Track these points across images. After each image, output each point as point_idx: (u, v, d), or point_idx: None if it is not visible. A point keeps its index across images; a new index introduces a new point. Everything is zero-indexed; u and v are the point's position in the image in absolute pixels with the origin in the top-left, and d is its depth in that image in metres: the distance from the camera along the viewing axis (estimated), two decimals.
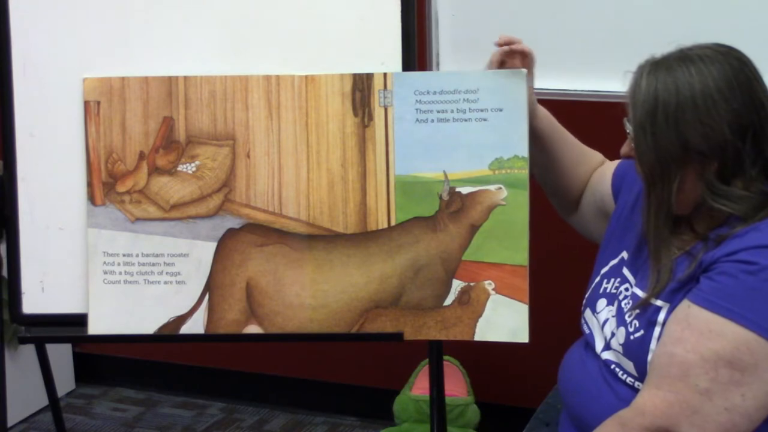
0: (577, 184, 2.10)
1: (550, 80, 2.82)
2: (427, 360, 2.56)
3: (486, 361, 3.07)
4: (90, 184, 2.10)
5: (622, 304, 1.80)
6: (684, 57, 1.72)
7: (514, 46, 2.00)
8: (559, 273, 2.90)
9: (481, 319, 2.05)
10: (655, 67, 1.73)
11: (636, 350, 1.73)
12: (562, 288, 2.90)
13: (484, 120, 2.02)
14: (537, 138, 2.06)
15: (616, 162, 2.04)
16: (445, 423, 2.39)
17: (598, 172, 2.09)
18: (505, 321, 2.04)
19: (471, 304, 2.05)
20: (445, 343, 2.26)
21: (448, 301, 2.06)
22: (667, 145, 1.68)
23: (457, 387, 2.93)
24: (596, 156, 2.13)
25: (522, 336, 2.05)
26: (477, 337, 2.06)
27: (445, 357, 2.85)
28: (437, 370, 2.28)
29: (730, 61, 1.70)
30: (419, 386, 2.94)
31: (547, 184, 2.13)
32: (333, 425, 3.35)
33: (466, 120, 2.03)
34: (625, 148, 1.80)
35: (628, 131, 1.77)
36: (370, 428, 3.31)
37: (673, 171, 1.69)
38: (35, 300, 2.14)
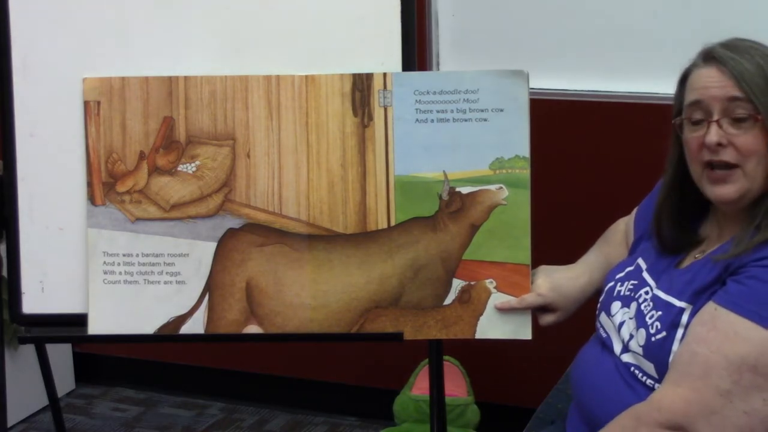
0: None
1: (550, 80, 2.83)
2: (427, 360, 2.56)
3: (486, 361, 3.07)
4: (90, 184, 2.10)
5: (642, 307, 1.79)
6: (738, 44, 1.74)
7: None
8: None
9: (482, 318, 2.05)
10: (731, 48, 1.73)
11: (657, 352, 1.72)
12: None
13: (485, 120, 2.02)
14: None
15: (633, 213, 2.04)
16: (445, 423, 2.38)
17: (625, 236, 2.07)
18: (506, 319, 2.04)
19: (471, 302, 2.05)
20: (445, 343, 2.26)
21: (448, 301, 2.06)
22: None
23: (457, 387, 2.93)
24: (619, 231, 2.10)
25: (524, 333, 2.04)
26: (478, 335, 2.06)
27: (445, 357, 2.85)
28: (437, 370, 2.27)
29: None
30: (419, 386, 2.94)
31: None
32: (333, 425, 3.35)
33: (466, 120, 2.02)
34: (713, 137, 1.70)
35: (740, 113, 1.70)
36: (370, 428, 3.31)
37: None
38: (35, 300, 2.14)
